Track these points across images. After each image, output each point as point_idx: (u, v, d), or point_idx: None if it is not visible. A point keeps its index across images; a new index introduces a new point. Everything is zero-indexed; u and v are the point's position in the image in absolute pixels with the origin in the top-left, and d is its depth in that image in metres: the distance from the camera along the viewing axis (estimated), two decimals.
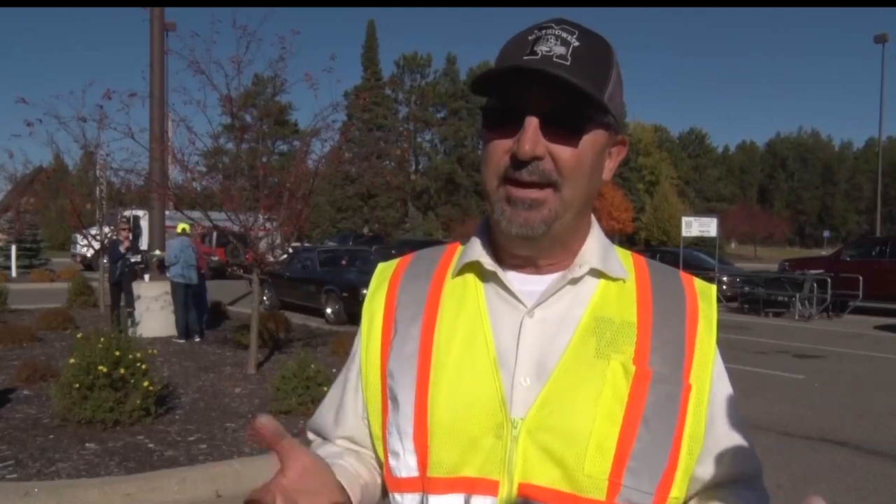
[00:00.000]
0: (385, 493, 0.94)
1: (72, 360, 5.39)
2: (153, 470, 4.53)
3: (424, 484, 0.87)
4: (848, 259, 16.59)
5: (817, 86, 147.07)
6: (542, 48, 0.82)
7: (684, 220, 19.71)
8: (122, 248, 11.07)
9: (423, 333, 0.91)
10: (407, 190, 59.13)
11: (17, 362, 7.43)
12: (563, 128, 0.82)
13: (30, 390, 6.56)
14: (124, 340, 5.60)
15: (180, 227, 10.32)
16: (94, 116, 11.58)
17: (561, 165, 0.83)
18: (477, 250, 0.94)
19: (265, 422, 0.73)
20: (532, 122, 0.81)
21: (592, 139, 0.85)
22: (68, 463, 4.64)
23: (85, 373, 5.27)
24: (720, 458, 0.90)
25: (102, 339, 5.44)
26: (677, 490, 0.85)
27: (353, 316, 12.49)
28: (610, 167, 0.92)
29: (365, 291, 1.03)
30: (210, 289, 11.68)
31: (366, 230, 47.71)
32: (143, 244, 13.48)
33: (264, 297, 14.78)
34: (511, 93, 0.83)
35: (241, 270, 9.46)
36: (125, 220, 13.17)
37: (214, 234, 21.17)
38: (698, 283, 0.97)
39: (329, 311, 13.44)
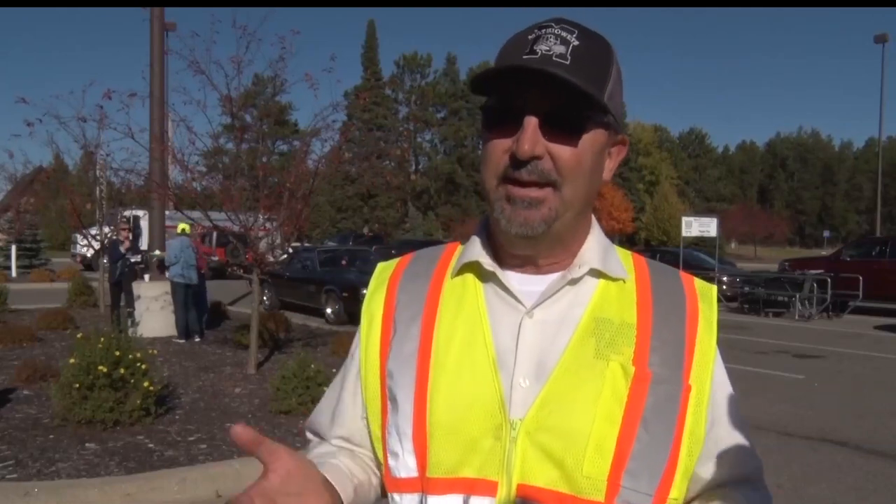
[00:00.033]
0: (384, 492, 0.94)
1: (72, 360, 5.39)
2: (153, 470, 4.53)
3: (423, 484, 0.87)
4: (848, 259, 16.59)
5: (817, 86, 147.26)
6: (541, 47, 0.82)
7: (684, 220, 19.71)
8: (122, 248, 11.08)
9: (422, 334, 0.91)
10: (407, 190, 59.13)
11: (17, 362, 7.43)
12: (563, 127, 0.82)
13: (30, 390, 6.56)
14: (124, 340, 5.60)
15: (180, 227, 10.32)
16: (94, 116, 11.58)
17: (560, 165, 0.83)
18: (476, 250, 0.93)
19: (240, 431, 0.74)
20: (531, 122, 0.81)
21: (592, 139, 0.85)
22: (68, 463, 4.64)
23: (85, 373, 5.27)
24: (722, 459, 0.90)
25: (102, 339, 5.44)
26: (676, 491, 0.85)
27: (353, 316, 12.49)
28: (610, 167, 0.92)
29: (365, 291, 1.03)
30: (210, 289, 11.68)
31: (366, 230, 47.71)
32: (143, 244, 13.48)
33: (264, 297, 14.78)
34: (510, 92, 0.83)
35: (241, 270, 9.46)
36: (125, 220, 13.18)
37: (214, 234, 21.18)
38: (699, 283, 0.96)
39: (329, 311, 13.44)
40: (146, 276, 11.17)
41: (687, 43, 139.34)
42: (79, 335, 5.75)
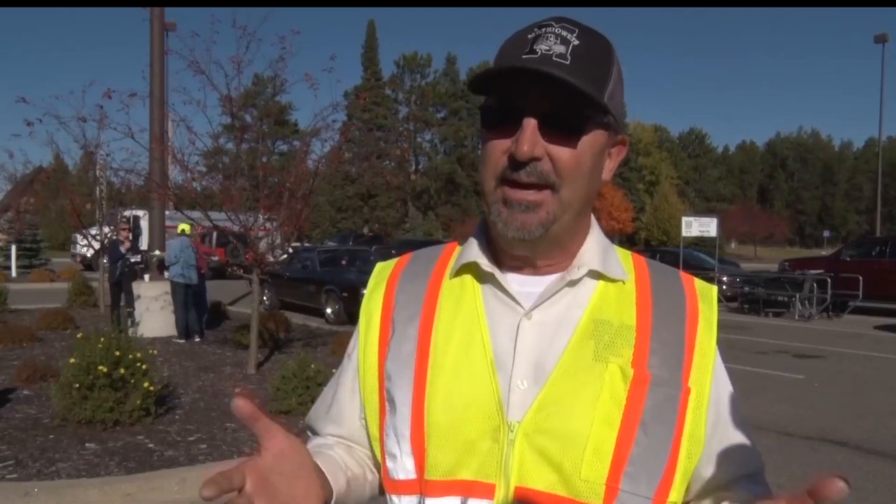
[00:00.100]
0: (382, 490, 0.94)
1: (72, 360, 5.39)
2: (153, 470, 4.53)
3: (421, 486, 0.86)
4: (848, 259, 16.59)
5: (817, 86, 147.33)
6: (541, 47, 0.81)
7: (684, 220, 19.71)
8: (122, 248, 11.07)
9: (420, 335, 0.90)
10: (407, 190, 59.13)
11: (17, 362, 7.43)
12: (562, 128, 0.81)
13: (30, 390, 6.56)
14: (124, 340, 5.60)
15: (181, 227, 10.32)
16: (94, 116, 11.60)
17: (559, 167, 0.82)
18: (474, 251, 0.93)
19: (241, 404, 0.73)
20: (530, 123, 0.80)
21: (592, 140, 0.84)
22: (68, 463, 4.64)
23: (85, 373, 5.27)
24: (725, 459, 0.89)
25: (102, 339, 5.44)
26: (676, 494, 0.84)
27: (353, 316, 12.48)
28: (610, 167, 0.91)
29: (364, 291, 1.02)
30: (210, 289, 11.68)
31: (366, 230, 47.70)
32: (143, 244, 13.48)
33: (264, 297, 14.78)
34: (510, 92, 0.82)
35: (241, 270, 9.45)
36: (125, 220, 13.17)
37: (214, 234, 21.17)
38: (699, 283, 0.96)
39: (329, 311, 13.44)
40: (146, 276, 11.17)
41: (687, 43, 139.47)
42: (79, 335, 5.75)
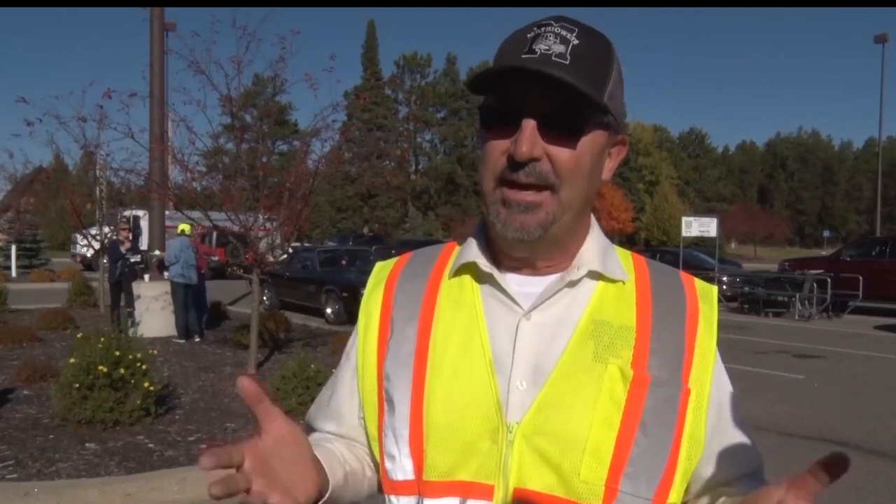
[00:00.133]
0: (380, 489, 0.94)
1: (72, 360, 5.39)
2: (153, 470, 4.53)
3: (420, 487, 0.86)
4: (848, 259, 16.59)
5: (817, 86, 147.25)
6: (540, 46, 0.80)
7: (684, 220, 19.71)
8: (122, 248, 11.08)
9: (419, 335, 0.90)
10: (407, 190, 59.13)
11: (17, 362, 7.43)
12: (562, 129, 0.81)
13: (30, 390, 6.56)
14: (124, 340, 5.60)
15: (181, 227, 10.32)
16: (94, 116, 11.62)
17: (559, 167, 0.81)
18: (473, 251, 0.93)
19: (247, 383, 0.73)
20: (529, 124, 0.80)
21: (591, 140, 0.83)
22: (68, 463, 4.64)
23: (85, 373, 5.27)
24: (726, 460, 0.89)
25: (102, 339, 5.44)
26: (675, 495, 0.84)
27: (353, 316, 12.33)
28: (610, 167, 0.90)
29: (364, 291, 1.02)
30: (210, 289, 11.68)
31: (366, 230, 47.72)
32: (143, 244, 13.48)
33: (264, 297, 14.78)
34: (509, 92, 0.81)
35: (241, 270, 9.45)
36: (125, 220, 13.18)
37: (214, 234, 21.17)
38: (699, 283, 0.95)
39: (329, 311, 13.44)
40: (146, 276, 11.17)
41: (687, 43, 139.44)
42: (79, 335, 5.75)
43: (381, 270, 1.02)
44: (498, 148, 0.83)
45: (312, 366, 6.04)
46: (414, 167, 64.33)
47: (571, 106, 0.80)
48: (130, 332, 6.82)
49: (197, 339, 10.01)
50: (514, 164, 0.81)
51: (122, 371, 5.37)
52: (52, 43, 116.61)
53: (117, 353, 5.38)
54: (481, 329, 0.88)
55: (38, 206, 21.15)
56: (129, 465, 4.63)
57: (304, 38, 8.42)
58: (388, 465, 0.90)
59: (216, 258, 21.13)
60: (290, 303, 14.77)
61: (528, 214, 0.83)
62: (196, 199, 8.52)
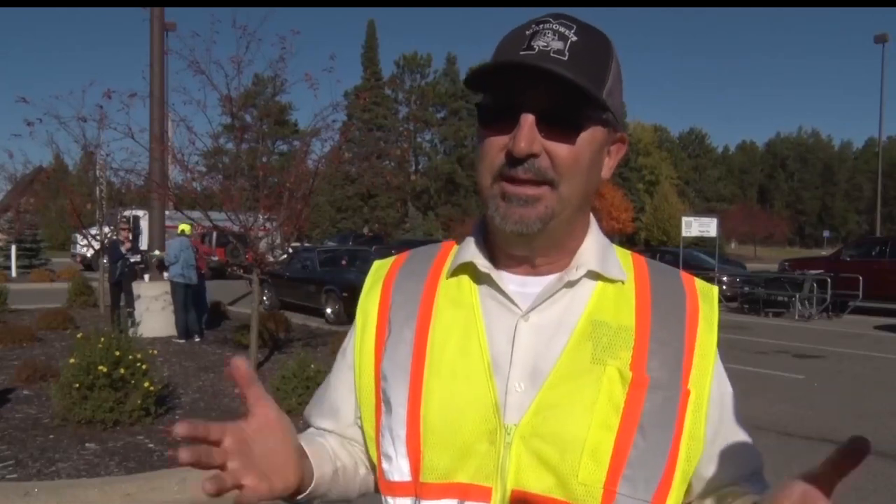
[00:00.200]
0: (377, 489, 0.94)
1: (72, 360, 5.39)
2: (153, 470, 4.53)
3: (417, 489, 0.86)
4: (848, 259, 16.59)
5: (817, 86, 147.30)
6: (538, 43, 0.80)
7: (684, 220, 19.70)
8: (122, 248, 11.08)
9: (417, 336, 0.90)
10: (407, 190, 59.12)
11: (17, 362, 7.42)
12: (560, 125, 0.81)
13: (30, 390, 6.56)
14: (124, 340, 5.60)
15: (181, 227, 10.32)
16: (94, 116, 11.63)
17: (557, 163, 0.81)
18: (471, 251, 0.92)
19: (239, 364, 0.73)
20: (528, 119, 0.79)
21: (590, 136, 0.83)
22: (68, 463, 4.64)
23: (85, 373, 5.27)
24: (727, 460, 0.89)
25: (102, 339, 5.44)
26: (674, 497, 0.84)
27: (352, 316, 12.37)
28: (609, 165, 0.90)
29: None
30: (210, 289, 11.68)
31: (366, 230, 47.70)
32: (143, 244, 13.48)
33: (264, 297, 14.78)
34: (507, 89, 0.81)
35: (241, 270, 9.45)
36: (125, 220, 13.18)
37: (214, 234, 21.17)
38: (699, 283, 0.95)
39: (329, 311, 13.44)
40: (146, 276, 11.17)
41: (687, 43, 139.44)
42: (79, 335, 5.75)
43: (379, 269, 1.01)
44: (496, 144, 0.82)
45: (312, 366, 6.04)
46: (414, 167, 64.32)
47: (570, 102, 0.79)
48: (130, 332, 6.82)
49: (197, 339, 10.01)
50: (513, 160, 0.80)
51: (122, 371, 5.37)
52: (52, 43, 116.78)
53: (117, 353, 5.38)
54: (479, 330, 0.87)
55: (38, 206, 21.15)
56: (129, 465, 4.62)
57: (304, 38, 8.42)
58: (385, 465, 0.89)
59: (216, 258, 21.14)
60: (290, 303, 14.77)
61: (527, 208, 0.82)
62: (196, 199, 8.52)
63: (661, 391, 0.83)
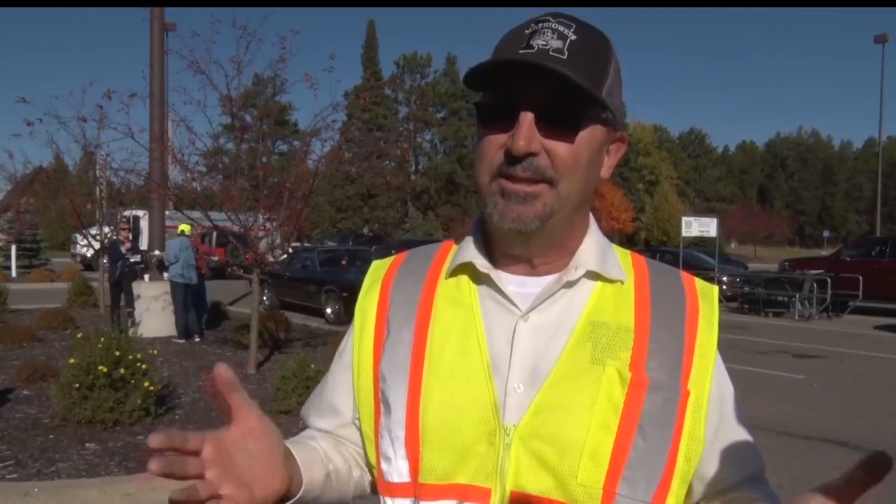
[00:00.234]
0: (374, 490, 0.93)
1: (72, 360, 5.39)
2: None
3: (416, 490, 0.85)
4: (848, 259, 16.59)
5: (817, 86, 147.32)
6: (538, 42, 0.80)
7: (684, 220, 19.71)
8: (122, 248, 11.08)
9: (416, 336, 0.89)
10: (407, 190, 59.11)
11: (17, 362, 7.42)
12: (559, 123, 0.80)
13: (30, 390, 6.56)
14: (124, 340, 5.60)
15: (181, 228, 10.32)
16: (94, 116, 11.64)
17: (556, 162, 0.81)
18: (470, 251, 0.92)
19: (222, 371, 0.72)
20: (527, 118, 0.79)
21: (589, 135, 0.83)
22: (68, 463, 4.64)
23: (85, 373, 5.27)
24: (728, 460, 0.89)
25: (102, 339, 5.44)
26: (674, 498, 0.83)
27: (352, 316, 12.45)
28: (609, 164, 0.89)
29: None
30: (210, 289, 11.68)
31: (366, 230, 47.70)
32: (143, 244, 13.48)
33: (264, 297, 14.78)
34: (506, 87, 0.81)
35: (241, 270, 9.46)
36: (125, 220, 13.18)
37: (214, 234, 21.17)
38: (699, 283, 0.94)
39: (329, 311, 13.44)
40: (146, 276, 11.17)
41: (687, 43, 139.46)
42: (79, 335, 5.75)
43: (378, 269, 1.01)
44: (495, 143, 0.82)
45: (312, 366, 6.03)
46: (414, 167, 64.30)
47: (569, 101, 0.79)
48: (130, 332, 6.83)
49: (197, 339, 10.01)
50: (512, 158, 0.80)
51: (122, 371, 5.37)
52: (52, 43, 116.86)
53: (117, 353, 5.38)
54: (479, 330, 0.87)
55: (38, 206, 21.15)
56: (129, 465, 4.62)
57: (304, 38, 8.42)
58: (383, 466, 0.89)
59: (216, 258, 21.13)
60: (290, 303, 14.77)
61: (525, 205, 0.82)
62: (196, 199, 8.53)
63: (660, 392, 0.83)
